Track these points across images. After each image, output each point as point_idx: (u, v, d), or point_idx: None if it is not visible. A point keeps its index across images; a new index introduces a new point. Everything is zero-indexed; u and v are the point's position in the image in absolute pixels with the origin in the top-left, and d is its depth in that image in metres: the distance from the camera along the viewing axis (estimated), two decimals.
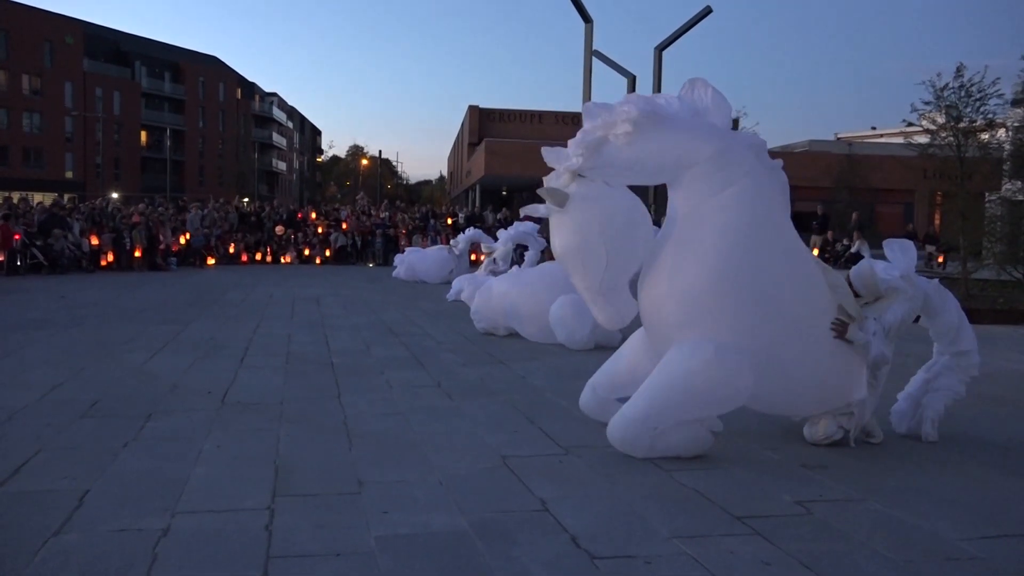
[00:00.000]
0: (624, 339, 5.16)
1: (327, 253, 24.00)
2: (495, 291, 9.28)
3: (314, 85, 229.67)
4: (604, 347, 7.77)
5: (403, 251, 19.76)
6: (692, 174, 4.36)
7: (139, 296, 13.62)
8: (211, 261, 22.34)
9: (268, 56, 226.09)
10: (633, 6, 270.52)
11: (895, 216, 40.57)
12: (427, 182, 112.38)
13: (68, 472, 4.02)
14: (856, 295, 4.68)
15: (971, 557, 3.21)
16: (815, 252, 17.84)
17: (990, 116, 16.06)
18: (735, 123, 18.32)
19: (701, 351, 4.21)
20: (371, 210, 27.32)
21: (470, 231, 17.64)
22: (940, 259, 20.54)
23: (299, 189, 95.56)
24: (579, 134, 4.32)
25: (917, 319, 5.00)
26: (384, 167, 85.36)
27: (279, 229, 24.62)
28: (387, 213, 26.53)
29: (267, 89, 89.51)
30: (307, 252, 24.11)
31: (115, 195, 42.61)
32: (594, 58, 19.19)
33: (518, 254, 16.29)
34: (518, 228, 13.53)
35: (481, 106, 48.72)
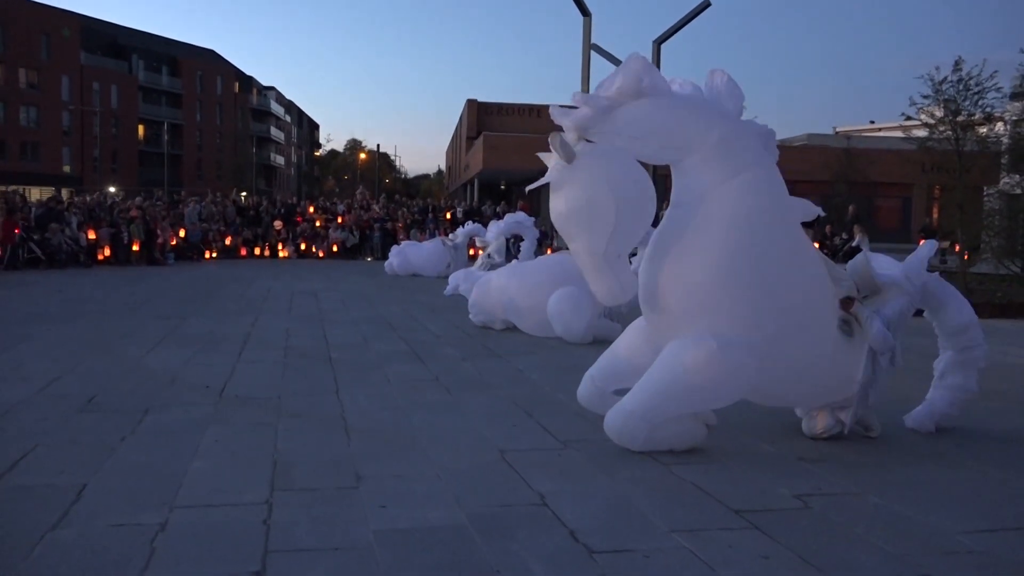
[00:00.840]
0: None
1: (333, 249, 23.94)
2: (494, 284, 9.28)
3: (312, 79, 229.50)
4: (602, 340, 7.76)
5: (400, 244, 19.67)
6: (699, 158, 4.27)
7: (137, 290, 13.59)
8: (209, 255, 22.32)
9: (266, 50, 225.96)
10: (631, 0, 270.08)
11: (893, 210, 40.60)
12: (425, 176, 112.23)
13: (66, 466, 4.02)
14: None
15: (969, 551, 3.21)
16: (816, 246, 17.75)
17: (988, 110, 16.06)
18: None
19: (704, 347, 4.12)
20: (371, 204, 27.30)
21: (468, 225, 17.63)
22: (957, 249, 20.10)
23: (297, 183, 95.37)
24: (586, 97, 4.19)
25: (920, 313, 4.99)
26: (382, 161, 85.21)
27: (277, 224, 24.59)
28: (386, 208, 26.50)
29: (265, 83, 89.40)
30: (304, 246, 24.08)
31: (112, 189, 42.46)
32: (593, 52, 19.13)
33: (515, 246, 16.27)
34: (509, 220, 13.51)
35: (480, 100, 48.63)
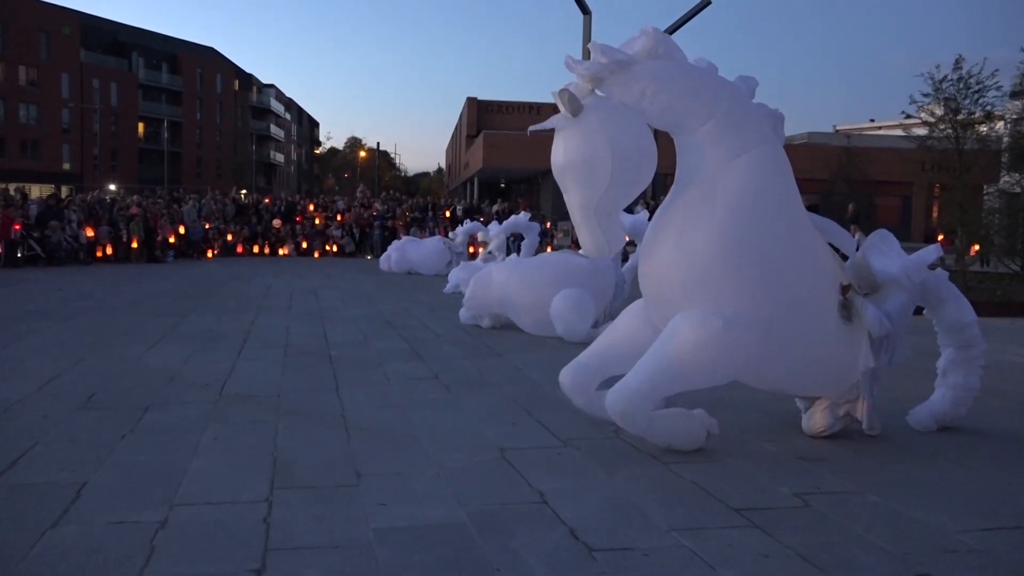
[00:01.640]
0: None
1: (333, 248, 23.92)
2: (495, 278, 9.14)
3: (312, 77, 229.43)
4: None
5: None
6: (706, 133, 4.24)
7: (137, 288, 13.59)
8: (211, 254, 22.31)
9: (266, 47, 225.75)
10: None
11: (893, 208, 40.59)
12: (425, 174, 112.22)
13: (65, 464, 4.01)
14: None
15: (969, 549, 3.21)
16: None
17: (988, 108, 16.05)
18: None
19: (711, 324, 4.07)
20: (371, 202, 27.28)
21: (468, 224, 17.62)
22: (973, 251, 19.85)
23: (297, 181, 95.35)
24: (605, 47, 4.18)
25: (921, 311, 4.97)
26: (382, 159, 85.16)
27: (277, 223, 24.59)
28: (385, 206, 26.48)
29: (265, 81, 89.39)
30: (304, 245, 24.07)
31: (112, 187, 42.45)
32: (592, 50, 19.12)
33: (515, 244, 16.28)
34: (510, 220, 13.55)
35: (480, 98, 48.61)
